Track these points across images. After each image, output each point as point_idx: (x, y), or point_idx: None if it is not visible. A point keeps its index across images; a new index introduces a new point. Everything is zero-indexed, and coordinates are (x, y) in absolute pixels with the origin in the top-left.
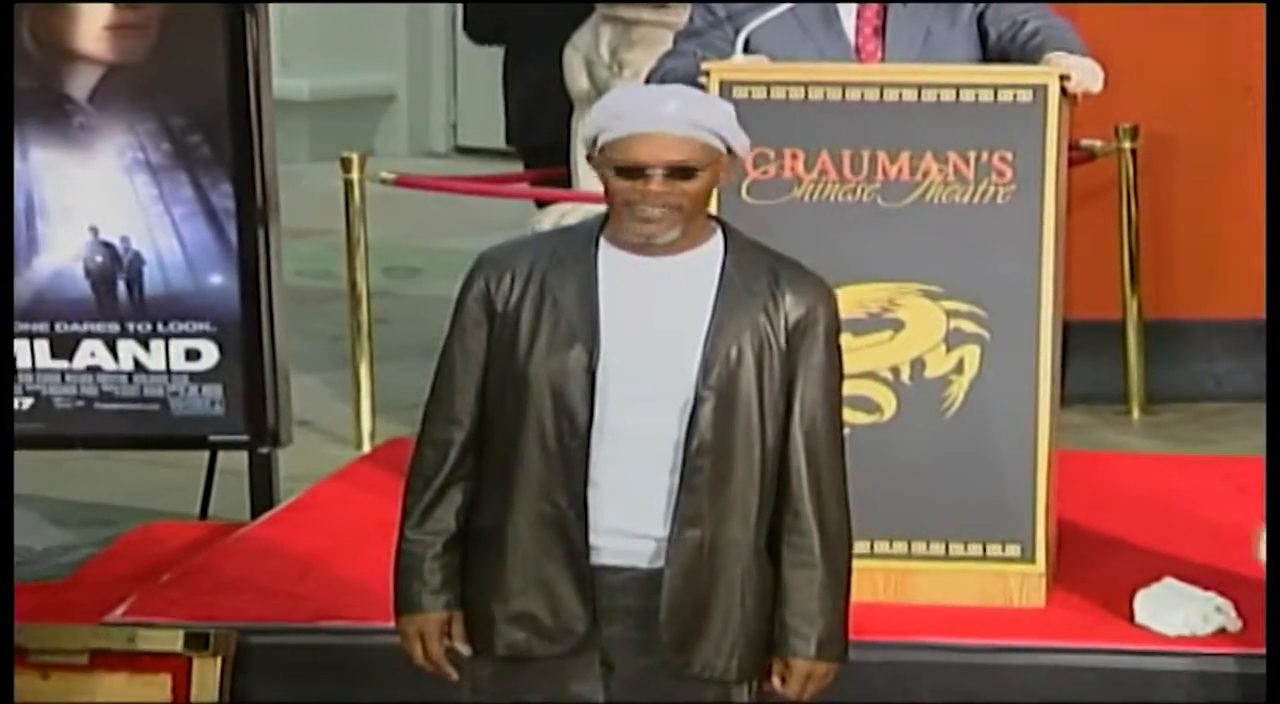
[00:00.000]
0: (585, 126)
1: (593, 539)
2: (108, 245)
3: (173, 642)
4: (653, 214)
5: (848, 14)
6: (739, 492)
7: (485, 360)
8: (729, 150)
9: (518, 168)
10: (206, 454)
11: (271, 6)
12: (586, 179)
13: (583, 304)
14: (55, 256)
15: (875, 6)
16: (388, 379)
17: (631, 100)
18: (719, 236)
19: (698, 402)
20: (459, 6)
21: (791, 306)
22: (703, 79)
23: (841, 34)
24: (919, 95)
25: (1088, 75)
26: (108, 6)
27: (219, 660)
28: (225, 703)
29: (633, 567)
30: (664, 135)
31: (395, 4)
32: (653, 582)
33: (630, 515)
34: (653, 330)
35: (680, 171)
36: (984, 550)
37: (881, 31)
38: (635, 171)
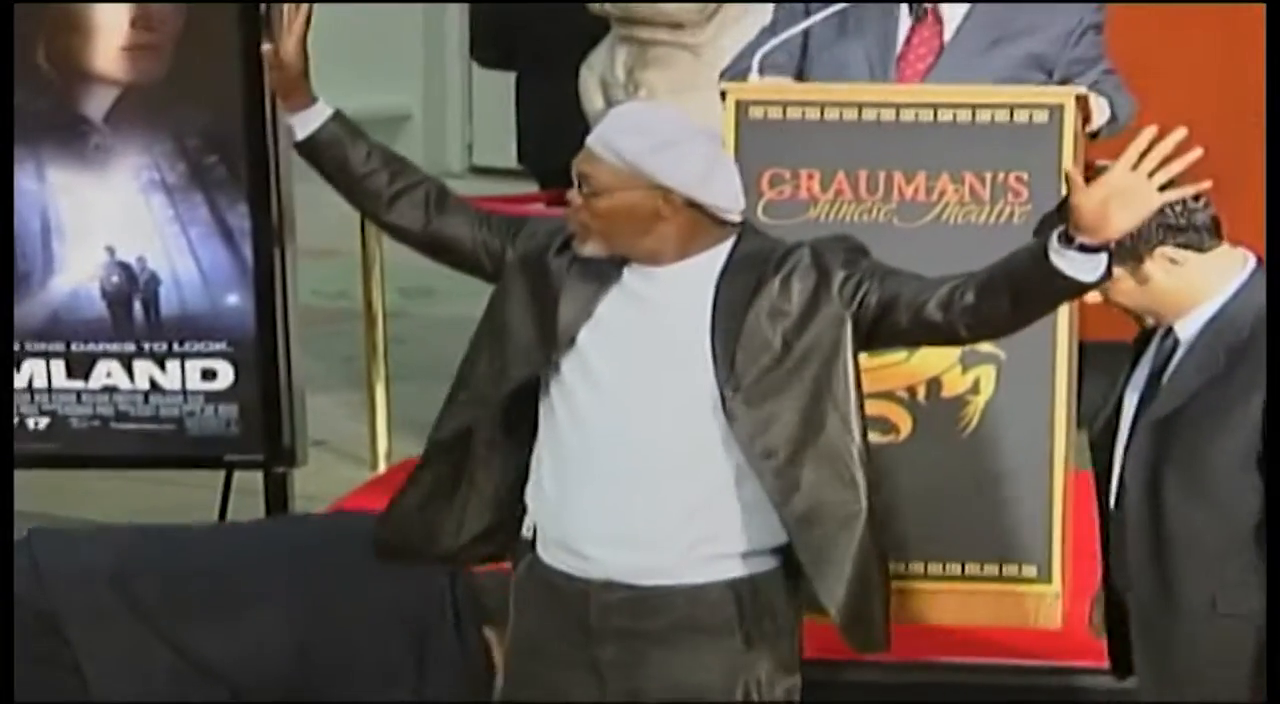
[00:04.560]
0: None
1: (588, 552)
2: (124, 266)
3: None
4: (573, 226)
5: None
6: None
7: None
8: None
9: (533, 188)
10: (222, 474)
11: None
12: None
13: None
14: (71, 277)
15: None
16: (403, 399)
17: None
18: (727, 244)
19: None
20: None
21: (798, 284)
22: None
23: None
24: (935, 116)
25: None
26: (123, 28)
27: None
28: None
29: (628, 585)
30: (586, 149)
31: (410, 25)
32: (646, 602)
33: (623, 532)
34: (641, 346)
35: (586, 186)
36: (1000, 570)
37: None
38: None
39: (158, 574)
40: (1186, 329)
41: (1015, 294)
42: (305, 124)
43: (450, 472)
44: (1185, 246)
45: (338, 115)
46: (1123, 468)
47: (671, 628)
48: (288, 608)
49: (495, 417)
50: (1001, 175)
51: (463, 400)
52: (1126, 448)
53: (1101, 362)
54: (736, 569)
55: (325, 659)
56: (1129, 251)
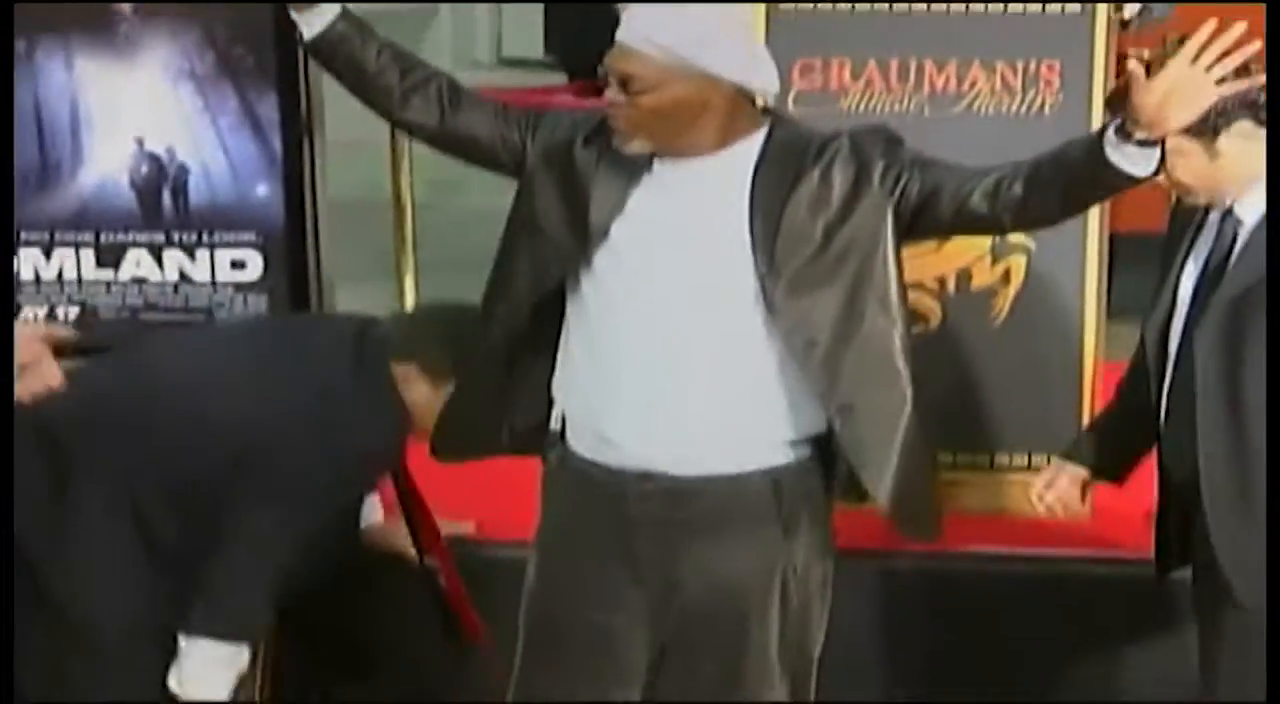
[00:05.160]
0: None
1: (625, 444)
2: (153, 156)
3: None
4: (616, 125)
5: None
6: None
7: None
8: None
9: (562, 79)
10: None
11: None
12: None
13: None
14: (100, 167)
15: None
16: (432, 291)
17: (629, 9)
18: (761, 133)
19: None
20: None
21: (840, 172)
22: None
23: None
24: (967, 6)
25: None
26: None
27: None
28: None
29: (665, 476)
30: (621, 46)
31: None
32: (684, 493)
33: (660, 423)
34: (674, 232)
35: (630, 85)
36: (1029, 461)
37: None
38: (606, 81)
39: (72, 413)
40: (1251, 207)
41: (1065, 187)
42: (312, 23)
43: (500, 375)
44: (1260, 122)
45: (345, 13)
46: (1178, 355)
47: (710, 518)
48: (206, 415)
49: (538, 315)
50: (1033, 65)
51: (505, 302)
52: (1191, 334)
53: (1132, 253)
54: (774, 458)
55: (243, 451)
56: (1208, 127)
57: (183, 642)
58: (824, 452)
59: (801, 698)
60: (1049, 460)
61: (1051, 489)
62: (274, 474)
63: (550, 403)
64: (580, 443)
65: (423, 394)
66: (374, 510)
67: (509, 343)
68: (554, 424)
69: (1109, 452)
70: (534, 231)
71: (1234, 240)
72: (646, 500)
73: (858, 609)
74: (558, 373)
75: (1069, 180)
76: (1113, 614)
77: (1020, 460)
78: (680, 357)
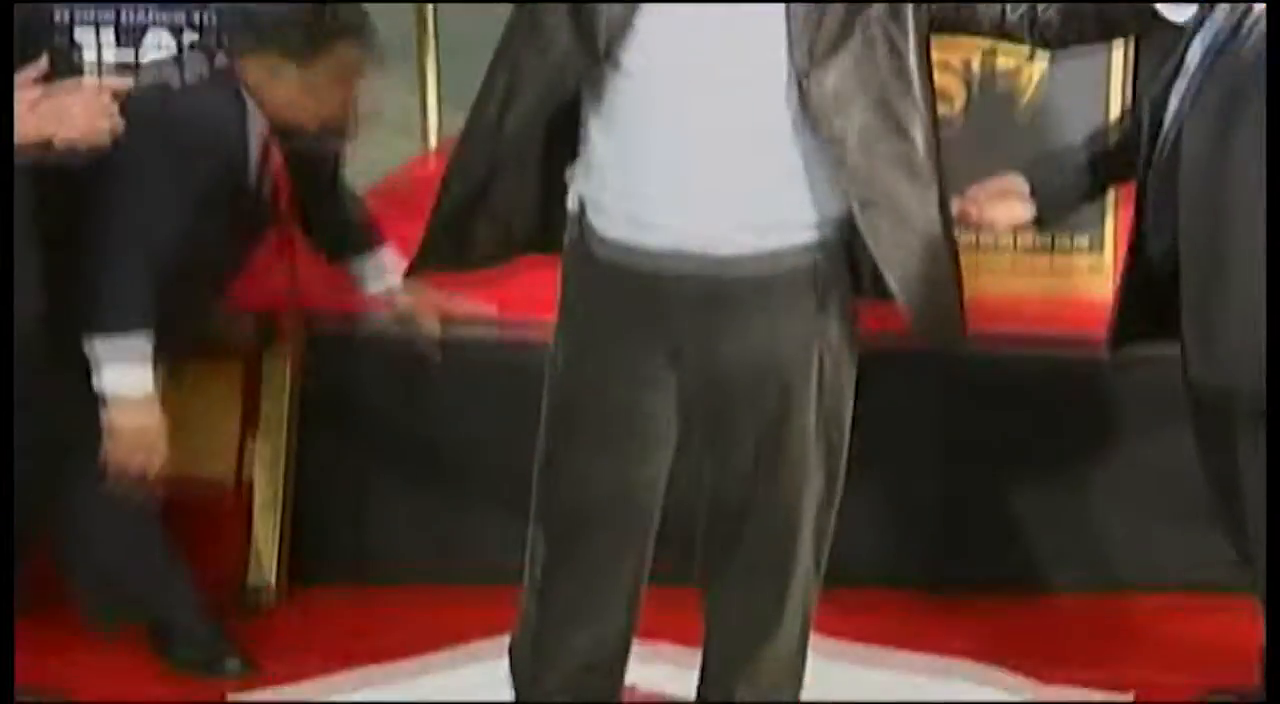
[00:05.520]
0: None
1: (660, 226)
2: None
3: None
4: None
5: None
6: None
7: None
8: None
9: None
10: None
11: None
12: None
13: None
14: None
15: None
16: (452, 74)
17: None
18: None
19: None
20: None
21: None
22: None
23: None
24: None
25: None
26: None
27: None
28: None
29: (702, 256)
30: None
31: None
32: (721, 270)
33: (697, 204)
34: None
35: None
36: (1052, 242)
37: None
38: None
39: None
40: None
41: (1102, 25)
42: None
43: (494, 179)
44: None
45: None
46: (1172, 124)
47: (748, 293)
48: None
49: (544, 117)
50: None
51: (514, 110)
52: (1195, 98)
53: (1158, 38)
54: (807, 240)
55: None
56: None
57: (86, 346)
58: (849, 244)
59: (833, 479)
60: (1072, 241)
61: (978, 203)
62: (118, 170)
63: (546, 207)
64: (609, 228)
65: (289, 80)
66: (391, 273)
67: (504, 150)
68: (571, 206)
69: (1055, 184)
70: (538, 30)
71: (1245, 16)
72: (683, 280)
73: (871, 398)
74: (577, 163)
75: (1107, 17)
76: (1122, 400)
77: (1043, 240)
78: (713, 142)
